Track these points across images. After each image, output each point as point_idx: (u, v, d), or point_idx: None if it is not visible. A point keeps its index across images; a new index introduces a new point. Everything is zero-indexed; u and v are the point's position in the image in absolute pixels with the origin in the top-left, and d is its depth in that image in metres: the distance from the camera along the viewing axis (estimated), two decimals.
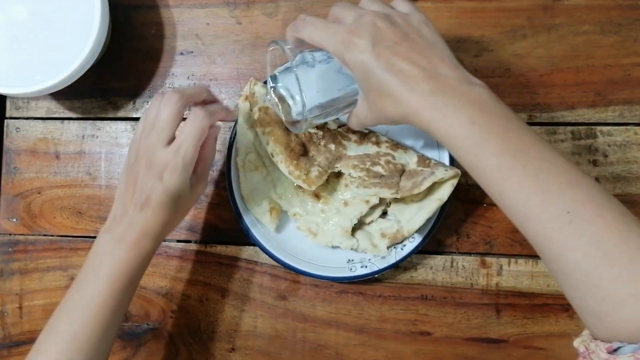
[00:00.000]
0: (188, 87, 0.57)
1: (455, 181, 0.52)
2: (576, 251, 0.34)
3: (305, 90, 0.45)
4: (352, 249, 0.56)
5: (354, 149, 0.56)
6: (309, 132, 0.56)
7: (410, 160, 0.55)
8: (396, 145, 0.56)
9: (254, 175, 0.57)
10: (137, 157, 0.47)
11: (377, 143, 0.56)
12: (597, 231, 0.34)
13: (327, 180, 0.55)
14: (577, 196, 0.35)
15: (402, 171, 0.54)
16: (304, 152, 0.56)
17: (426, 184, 0.51)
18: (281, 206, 0.58)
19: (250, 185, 0.57)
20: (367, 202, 0.55)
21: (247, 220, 0.57)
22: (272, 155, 0.55)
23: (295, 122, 0.50)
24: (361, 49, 0.41)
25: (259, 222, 0.57)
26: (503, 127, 0.38)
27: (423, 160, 0.54)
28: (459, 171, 0.52)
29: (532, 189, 0.36)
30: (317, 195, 0.57)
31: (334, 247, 0.57)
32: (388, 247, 0.55)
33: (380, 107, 0.42)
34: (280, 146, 0.55)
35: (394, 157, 0.55)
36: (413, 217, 0.54)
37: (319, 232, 0.57)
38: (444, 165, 0.54)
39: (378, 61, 0.40)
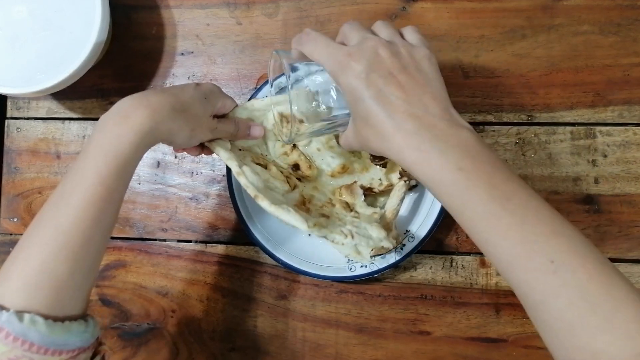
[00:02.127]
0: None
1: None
2: (560, 300, 0.34)
3: (295, 107, 0.45)
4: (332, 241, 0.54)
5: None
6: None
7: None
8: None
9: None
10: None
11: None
12: (581, 281, 0.34)
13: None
14: (561, 246, 0.35)
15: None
16: None
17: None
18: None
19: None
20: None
21: (247, 220, 0.57)
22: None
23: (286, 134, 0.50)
24: (355, 73, 0.40)
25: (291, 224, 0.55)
26: (489, 173, 0.37)
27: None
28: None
29: (518, 238, 0.36)
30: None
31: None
32: (372, 257, 0.54)
33: (364, 136, 0.42)
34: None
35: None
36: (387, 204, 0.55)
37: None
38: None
39: (369, 89, 0.39)
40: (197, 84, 0.50)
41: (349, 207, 0.57)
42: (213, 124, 0.50)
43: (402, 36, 0.43)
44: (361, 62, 0.40)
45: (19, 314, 0.38)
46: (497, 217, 0.36)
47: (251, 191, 0.50)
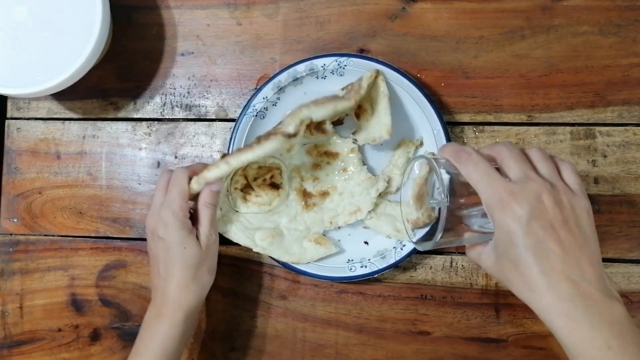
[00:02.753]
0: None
1: (381, 76, 0.55)
2: None
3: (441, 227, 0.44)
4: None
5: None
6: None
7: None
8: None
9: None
10: (149, 235, 0.53)
11: None
12: None
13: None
14: None
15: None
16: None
17: (365, 83, 0.53)
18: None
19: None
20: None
21: None
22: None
23: (422, 242, 0.51)
24: (516, 217, 0.39)
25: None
26: (636, 354, 0.38)
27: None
28: (378, 69, 0.55)
29: None
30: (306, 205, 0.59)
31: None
32: (412, 230, 0.54)
33: (508, 277, 0.41)
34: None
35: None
36: (379, 125, 0.55)
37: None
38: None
39: (527, 237, 0.39)
40: (164, 242, 0.51)
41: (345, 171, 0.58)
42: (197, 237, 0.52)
43: (559, 172, 0.43)
44: (523, 206, 0.39)
45: None
46: None
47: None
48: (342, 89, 0.57)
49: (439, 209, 0.46)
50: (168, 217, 0.50)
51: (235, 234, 0.56)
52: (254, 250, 0.57)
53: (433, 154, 0.55)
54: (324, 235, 0.59)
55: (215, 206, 0.53)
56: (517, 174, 0.41)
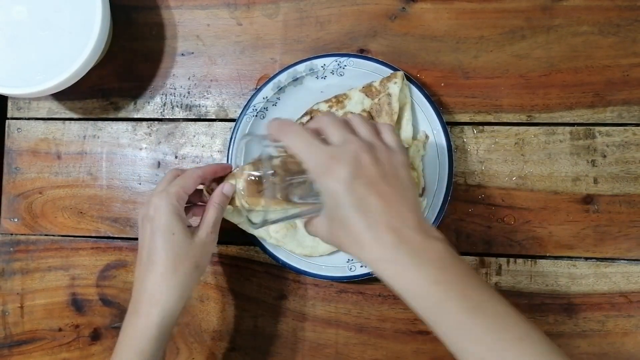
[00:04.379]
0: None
1: (405, 81, 0.55)
2: None
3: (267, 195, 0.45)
4: None
5: None
6: None
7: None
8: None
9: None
10: (140, 221, 0.51)
11: None
12: None
13: None
14: (527, 349, 0.38)
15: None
16: None
17: (396, 104, 0.54)
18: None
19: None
20: None
21: None
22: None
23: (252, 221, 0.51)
24: (338, 178, 0.40)
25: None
26: (462, 284, 0.40)
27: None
28: (400, 72, 0.55)
29: (488, 345, 0.38)
30: None
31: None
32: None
33: (339, 239, 0.43)
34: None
35: None
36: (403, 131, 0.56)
37: None
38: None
39: (351, 195, 0.40)
40: (152, 224, 0.48)
41: None
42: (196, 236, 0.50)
43: (378, 134, 0.45)
44: (344, 167, 0.41)
45: None
46: (469, 327, 0.39)
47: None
48: (362, 89, 0.56)
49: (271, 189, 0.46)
50: (161, 200, 0.48)
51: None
52: (268, 241, 0.57)
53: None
54: None
55: (223, 208, 0.51)
56: (337, 138, 0.43)
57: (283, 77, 0.58)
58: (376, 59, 0.56)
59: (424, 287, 0.39)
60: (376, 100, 0.56)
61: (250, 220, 0.51)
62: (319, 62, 0.57)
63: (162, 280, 0.47)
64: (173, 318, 0.48)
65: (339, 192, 0.40)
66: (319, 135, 0.44)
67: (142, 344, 0.47)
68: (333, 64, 0.57)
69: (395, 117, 0.54)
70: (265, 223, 0.46)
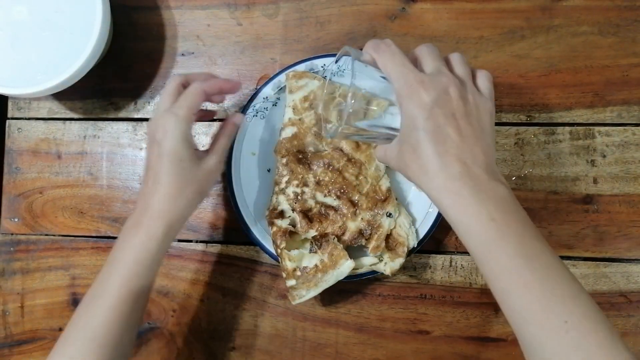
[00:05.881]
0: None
1: None
2: None
3: (348, 109, 0.44)
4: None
5: None
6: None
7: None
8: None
9: None
10: (148, 139, 0.50)
11: None
12: (590, 347, 0.36)
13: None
14: (576, 309, 0.37)
15: None
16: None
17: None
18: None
19: None
20: None
21: (248, 220, 0.58)
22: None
23: (329, 128, 0.50)
24: (421, 102, 0.40)
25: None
26: (519, 230, 0.39)
27: None
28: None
29: (537, 295, 0.38)
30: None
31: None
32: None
33: (406, 162, 0.42)
34: None
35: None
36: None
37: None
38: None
39: (428, 122, 0.40)
40: (159, 148, 0.48)
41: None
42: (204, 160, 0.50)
43: (474, 78, 0.44)
44: (430, 93, 0.41)
45: None
46: (520, 272, 0.38)
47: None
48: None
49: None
50: (169, 123, 0.47)
51: None
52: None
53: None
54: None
55: (232, 137, 0.53)
56: (431, 68, 0.43)
57: (283, 77, 0.58)
58: None
59: (481, 222, 0.39)
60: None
61: (325, 128, 0.51)
62: (319, 62, 0.57)
63: (168, 200, 0.47)
64: (172, 237, 0.48)
65: (418, 116, 0.41)
66: (415, 63, 0.44)
67: (141, 253, 0.47)
68: (333, 64, 0.57)
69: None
70: (336, 135, 0.46)
